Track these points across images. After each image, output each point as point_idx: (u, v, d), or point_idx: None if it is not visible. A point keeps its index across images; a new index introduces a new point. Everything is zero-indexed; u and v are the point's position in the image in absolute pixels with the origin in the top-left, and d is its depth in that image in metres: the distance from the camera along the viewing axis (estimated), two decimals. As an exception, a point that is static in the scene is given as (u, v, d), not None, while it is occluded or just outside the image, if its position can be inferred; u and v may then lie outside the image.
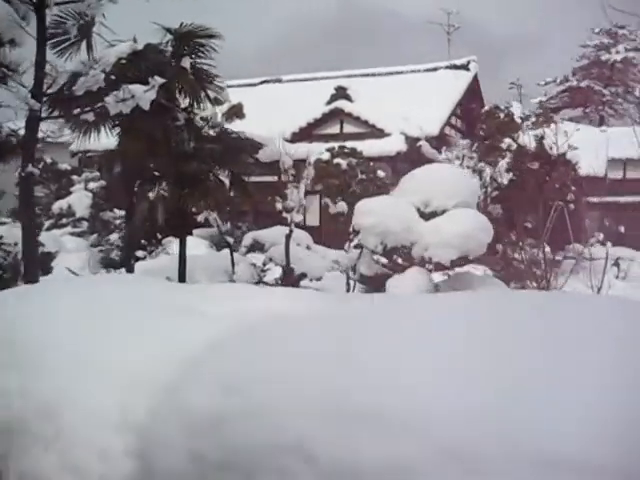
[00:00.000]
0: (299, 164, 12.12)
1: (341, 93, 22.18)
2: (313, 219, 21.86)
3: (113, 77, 7.08)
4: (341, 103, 21.99)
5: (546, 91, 49.68)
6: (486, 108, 21.45)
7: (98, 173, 25.54)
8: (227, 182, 10.76)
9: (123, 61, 7.66)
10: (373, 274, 4.72)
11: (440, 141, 22.85)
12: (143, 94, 5.33)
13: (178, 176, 9.85)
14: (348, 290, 10.78)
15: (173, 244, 19.79)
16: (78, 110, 6.05)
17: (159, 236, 18.24)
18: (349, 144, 18.98)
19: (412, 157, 21.17)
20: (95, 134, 10.23)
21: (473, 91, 26.60)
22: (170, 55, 10.21)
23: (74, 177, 23.73)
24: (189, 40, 10.18)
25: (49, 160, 23.84)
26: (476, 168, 17.73)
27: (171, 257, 16.90)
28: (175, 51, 10.28)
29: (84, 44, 7.43)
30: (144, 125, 9.13)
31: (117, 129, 10.19)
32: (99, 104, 5.99)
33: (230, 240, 13.88)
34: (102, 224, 21.08)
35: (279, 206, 10.44)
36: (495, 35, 54.36)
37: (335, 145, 17.77)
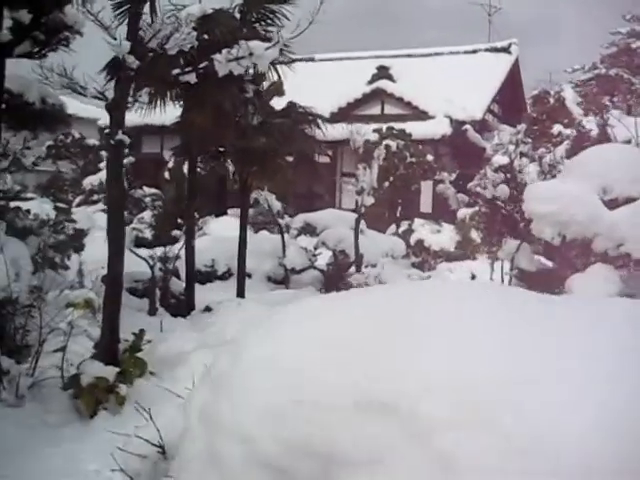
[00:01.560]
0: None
1: (383, 73, 21.40)
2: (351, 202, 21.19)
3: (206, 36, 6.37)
4: (383, 83, 21.22)
5: (572, 78, 48.68)
6: (535, 92, 20.62)
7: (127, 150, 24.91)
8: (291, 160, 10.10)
9: (193, 24, 6.95)
10: (535, 270, 4.05)
11: (482, 126, 22.10)
12: (263, 52, 4.64)
13: (244, 152, 9.16)
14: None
15: (210, 224, 19.17)
16: (177, 71, 5.33)
17: (197, 215, 17.55)
18: (396, 126, 18.27)
19: (457, 141, 20.45)
20: (160, 104, 9.58)
21: (513, 75, 25.75)
22: (240, 21, 9.49)
23: (102, 153, 23.08)
24: (259, 6, 9.45)
25: (77, 135, 23.20)
26: (530, 154, 16.95)
27: (212, 237, 16.25)
28: (243, 17, 9.55)
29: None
30: (213, 95, 8.45)
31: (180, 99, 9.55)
32: (202, 64, 5.27)
33: (282, 222, 13.20)
34: (133, 202, 20.45)
35: (349, 188, 9.72)
36: (523, 20, 53.14)
37: (382, 126, 17.01)
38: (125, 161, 21.52)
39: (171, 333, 7.54)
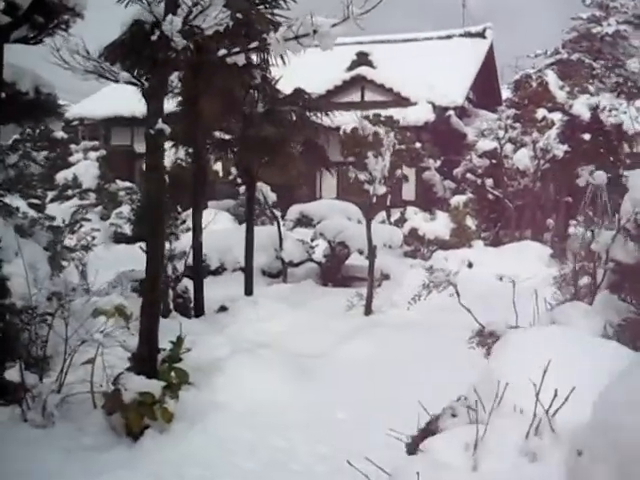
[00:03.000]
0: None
1: (363, 59, 20.95)
2: (331, 192, 20.76)
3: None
4: (363, 70, 20.77)
5: (534, 63, 49.01)
6: (516, 77, 20.46)
7: (97, 142, 24.01)
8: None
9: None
10: (634, 262, 3.72)
11: (461, 112, 21.88)
12: (329, 30, 4.17)
13: (253, 141, 8.66)
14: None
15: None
16: (224, 52, 4.83)
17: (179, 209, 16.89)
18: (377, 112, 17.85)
19: (440, 128, 20.17)
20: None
21: (488, 60, 25.60)
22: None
23: (72, 146, 22.20)
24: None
25: (42, 127, 22.20)
26: (518, 139, 16.80)
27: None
28: (248, -1, 9.02)
29: None
30: (224, 81, 7.94)
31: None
32: (252, 44, 4.78)
33: (278, 214, 12.72)
34: (109, 196, 19.69)
35: (361, 177, 9.31)
36: (488, 6, 53.06)
37: (369, 113, 16.59)
38: (97, 154, 20.64)
39: (195, 337, 7.03)
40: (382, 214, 17.22)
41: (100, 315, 5.31)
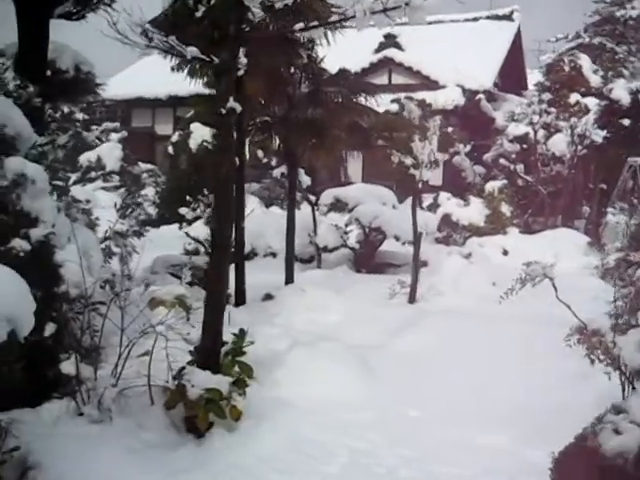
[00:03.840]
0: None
1: (390, 41, 20.52)
2: (357, 176, 20.41)
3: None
4: (391, 52, 20.33)
5: (555, 48, 48.24)
6: (548, 61, 19.98)
7: (118, 124, 23.70)
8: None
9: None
10: None
11: (489, 96, 21.43)
12: (422, 2, 3.81)
13: (298, 123, 8.31)
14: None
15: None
16: (300, 25, 4.47)
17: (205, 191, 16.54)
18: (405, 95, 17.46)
19: (469, 111, 19.74)
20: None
21: (515, 43, 25.08)
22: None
23: (93, 127, 21.90)
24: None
25: (66, 109, 21.91)
26: (553, 124, 16.36)
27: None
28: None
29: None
30: (272, 59, 7.59)
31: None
32: (330, 19, 4.42)
33: (312, 199, 12.39)
34: (132, 178, 19.41)
35: (408, 162, 8.95)
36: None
37: (401, 95, 16.20)
38: (118, 135, 20.43)
39: (245, 327, 6.74)
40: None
41: (158, 305, 5.00)
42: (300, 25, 4.33)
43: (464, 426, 4.97)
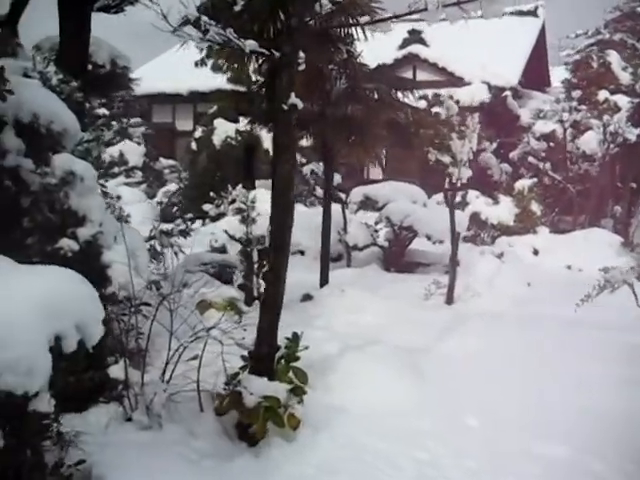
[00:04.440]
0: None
1: (415, 37, 20.27)
2: (377, 173, 20.20)
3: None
4: (416, 48, 20.10)
5: (573, 44, 47.72)
6: (574, 57, 19.69)
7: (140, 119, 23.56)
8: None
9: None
10: None
11: (514, 93, 21.14)
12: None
13: (337, 120, 8.12)
14: None
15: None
16: (365, 19, 4.28)
17: (229, 188, 16.35)
18: (430, 92, 17.19)
19: (496, 109, 19.46)
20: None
21: (539, 39, 24.75)
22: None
23: (113, 123, 21.78)
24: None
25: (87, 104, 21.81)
26: (583, 122, 16.08)
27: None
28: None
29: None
30: (313, 55, 7.38)
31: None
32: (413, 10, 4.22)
33: (342, 196, 12.21)
34: (154, 174, 19.31)
35: (446, 160, 8.76)
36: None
37: (428, 92, 15.97)
38: (141, 130, 20.21)
39: (288, 329, 6.58)
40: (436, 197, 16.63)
41: (209, 308, 4.84)
42: (365, 19, 4.13)
43: (524, 435, 4.79)
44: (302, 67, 4.45)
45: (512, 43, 21.68)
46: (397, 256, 12.62)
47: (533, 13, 24.19)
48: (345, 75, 8.24)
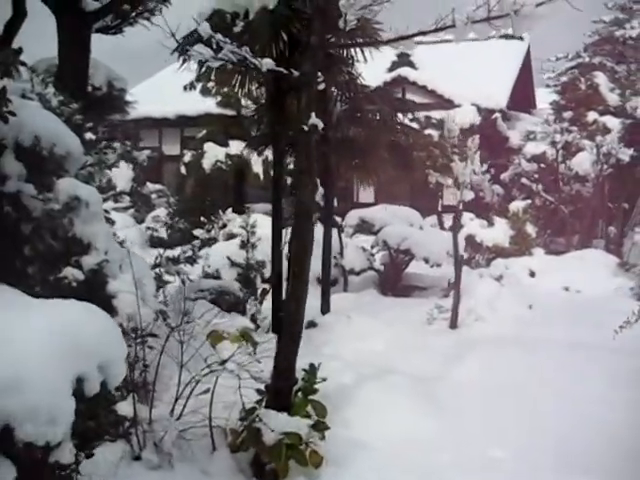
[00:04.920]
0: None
1: (404, 60, 20.28)
2: (368, 197, 20.10)
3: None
4: (405, 70, 20.10)
5: (554, 67, 48.32)
6: (564, 79, 19.82)
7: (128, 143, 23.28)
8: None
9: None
10: None
11: (503, 115, 21.21)
12: (533, 10, 3.47)
13: (339, 142, 7.95)
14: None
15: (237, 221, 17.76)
16: (388, 36, 4.13)
17: (220, 213, 16.07)
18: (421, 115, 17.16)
19: (486, 130, 19.46)
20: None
21: (525, 62, 24.97)
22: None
23: (116, 146, 21.51)
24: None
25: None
26: (574, 143, 16.10)
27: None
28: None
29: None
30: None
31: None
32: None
33: (339, 220, 12.03)
34: (142, 199, 19.02)
35: (449, 182, 8.62)
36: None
37: (420, 115, 15.91)
38: (146, 153, 19.90)
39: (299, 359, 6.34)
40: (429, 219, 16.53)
41: (221, 340, 4.60)
42: (388, 35, 3.98)
43: (552, 468, 4.58)
44: (322, 86, 4.26)
45: (499, 66, 21.81)
46: (394, 280, 12.44)
47: (518, 37, 24.36)
48: (346, 96, 8.09)
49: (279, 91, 7.67)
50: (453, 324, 9.01)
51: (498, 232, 14.20)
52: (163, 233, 17.00)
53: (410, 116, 14.66)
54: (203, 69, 7.89)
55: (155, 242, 17.94)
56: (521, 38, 24.55)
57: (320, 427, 4.24)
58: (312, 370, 4.66)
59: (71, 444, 2.42)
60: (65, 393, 2.33)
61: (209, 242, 15.27)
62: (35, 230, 4.48)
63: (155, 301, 5.07)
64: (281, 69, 4.19)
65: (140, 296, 4.93)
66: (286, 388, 4.39)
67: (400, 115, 8.73)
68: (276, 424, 4.09)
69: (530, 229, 14.31)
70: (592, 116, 17.53)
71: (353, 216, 12.37)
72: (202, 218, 16.14)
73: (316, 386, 4.73)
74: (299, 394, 4.54)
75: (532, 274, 13.58)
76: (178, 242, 14.27)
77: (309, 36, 4.09)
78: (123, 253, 4.95)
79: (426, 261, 11.76)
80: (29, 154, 4.52)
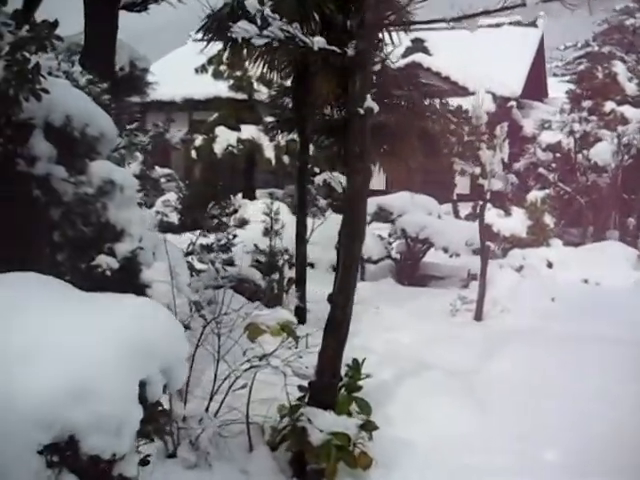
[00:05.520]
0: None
1: (418, 46, 19.94)
2: (379, 183, 19.82)
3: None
4: (419, 57, 19.76)
5: (562, 56, 47.92)
6: (581, 68, 19.49)
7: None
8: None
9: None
10: None
11: (518, 103, 20.93)
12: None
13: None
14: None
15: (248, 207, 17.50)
16: (452, 15, 3.87)
17: (232, 198, 15.80)
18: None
19: (501, 119, 19.15)
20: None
21: (539, 50, 24.62)
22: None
23: (149, 128, 21.23)
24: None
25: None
26: (592, 133, 15.83)
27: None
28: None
29: None
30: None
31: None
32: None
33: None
34: (151, 183, 18.73)
35: (475, 171, 8.37)
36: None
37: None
38: (180, 135, 19.57)
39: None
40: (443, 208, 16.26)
41: (261, 333, 4.37)
42: (452, 15, 3.73)
43: (609, 474, 4.37)
44: (377, 67, 4.01)
45: (514, 53, 21.48)
46: (411, 269, 12.23)
47: (532, 24, 23.98)
48: (376, 80, 7.80)
49: (306, 73, 7.41)
50: (478, 316, 8.80)
51: (515, 222, 13.95)
52: (173, 218, 16.76)
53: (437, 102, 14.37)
54: (227, 50, 7.60)
55: (165, 227, 17.70)
56: (535, 25, 24.21)
57: (368, 427, 4.03)
58: (356, 366, 4.45)
59: (137, 456, 2.20)
60: (132, 400, 2.11)
61: (219, 227, 15.04)
62: (65, 215, 4.24)
63: (190, 291, 4.85)
64: (334, 48, 3.93)
65: (174, 285, 4.72)
66: (331, 385, 4.17)
67: (428, 101, 8.43)
68: (323, 423, 3.87)
69: (548, 219, 14.06)
70: (609, 106, 17.23)
71: (371, 203, 12.07)
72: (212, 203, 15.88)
73: (359, 383, 4.52)
74: (342, 391, 4.32)
75: (549, 265, 13.36)
76: (190, 228, 14.03)
77: (359, 13, 3.83)
78: (157, 240, 4.72)
79: (445, 250, 11.54)
80: (60, 135, 4.27)
